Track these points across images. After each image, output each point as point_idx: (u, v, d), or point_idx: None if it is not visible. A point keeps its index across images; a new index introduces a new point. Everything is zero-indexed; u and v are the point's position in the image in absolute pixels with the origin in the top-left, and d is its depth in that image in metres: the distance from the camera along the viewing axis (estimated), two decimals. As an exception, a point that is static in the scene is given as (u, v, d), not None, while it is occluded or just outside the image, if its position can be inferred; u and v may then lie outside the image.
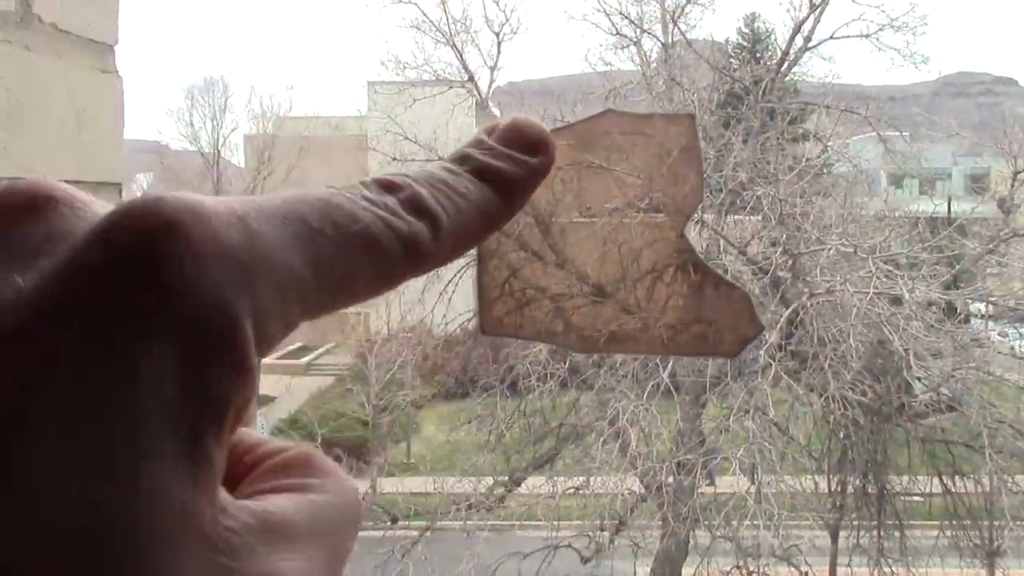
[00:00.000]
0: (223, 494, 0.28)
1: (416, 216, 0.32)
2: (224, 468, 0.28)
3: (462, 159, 0.36)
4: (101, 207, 0.30)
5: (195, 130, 27.52)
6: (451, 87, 11.87)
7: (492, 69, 11.95)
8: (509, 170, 0.36)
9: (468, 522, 9.88)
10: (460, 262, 10.73)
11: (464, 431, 11.44)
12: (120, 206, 0.28)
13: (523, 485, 10.35)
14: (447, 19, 11.83)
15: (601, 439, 9.02)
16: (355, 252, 0.31)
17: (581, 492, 9.63)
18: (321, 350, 24.10)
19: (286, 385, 19.51)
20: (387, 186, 0.33)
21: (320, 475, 0.32)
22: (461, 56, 11.79)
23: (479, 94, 11.82)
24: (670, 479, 8.83)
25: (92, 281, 0.26)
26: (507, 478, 10.39)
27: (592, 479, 9.37)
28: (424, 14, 11.92)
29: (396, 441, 16.16)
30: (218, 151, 27.23)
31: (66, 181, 0.31)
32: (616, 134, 0.47)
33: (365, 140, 15.67)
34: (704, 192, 0.50)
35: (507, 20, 11.90)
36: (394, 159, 10.40)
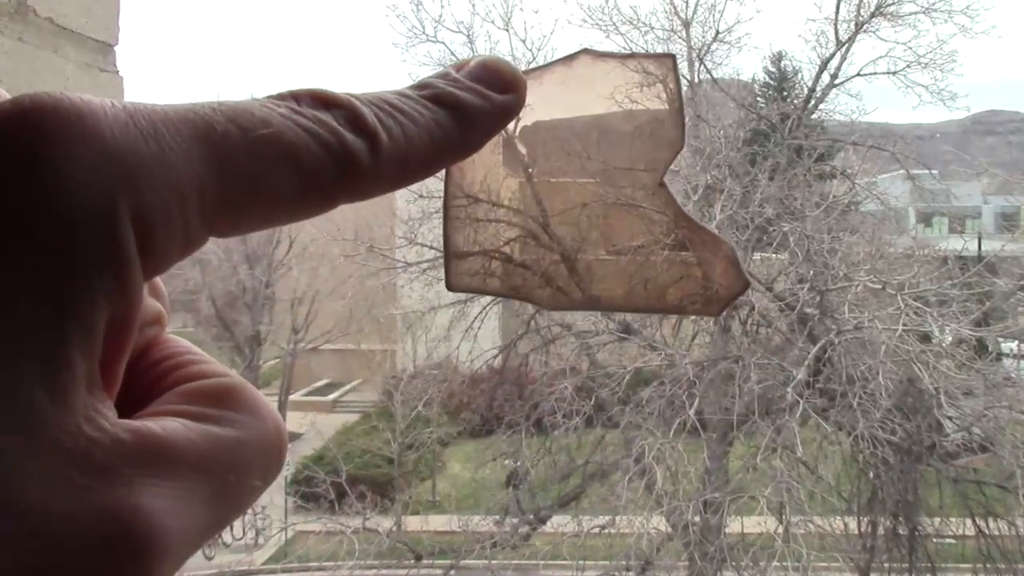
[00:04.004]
0: (99, 405, 0.26)
1: (353, 132, 0.31)
2: (110, 381, 0.27)
3: (421, 86, 0.34)
4: None
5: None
6: (478, 125, 11.93)
7: (519, 107, 12.03)
8: (471, 101, 0.34)
9: (493, 561, 9.81)
10: (485, 299, 10.75)
11: (489, 469, 11.38)
12: (6, 99, 0.26)
13: (548, 523, 10.27)
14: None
15: (627, 477, 8.94)
16: (268, 158, 0.29)
17: (606, 531, 9.54)
18: (348, 387, 24.15)
19: (312, 421, 19.52)
20: (323, 100, 0.31)
21: (239, 409, 0.30)
22: (488, 94, 11.88)
23: (505, 131, 11.86)
24: (696, 518, 8.72)
25: None
26: (532, 516, 10.32)
27: (618, 518, 9.28)
28: (452, 52, 12.04)
29: (422, 479, 16.10)
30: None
31: None
32: (597, 76, 0.45)
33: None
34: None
35: (534, 58, 11.97)
36: (420, 196, 10.46)
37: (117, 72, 1.03)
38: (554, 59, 0.45)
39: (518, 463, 10.49)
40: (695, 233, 0.47)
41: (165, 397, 0.30)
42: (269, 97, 0.30)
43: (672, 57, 0.46)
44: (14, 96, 0.26)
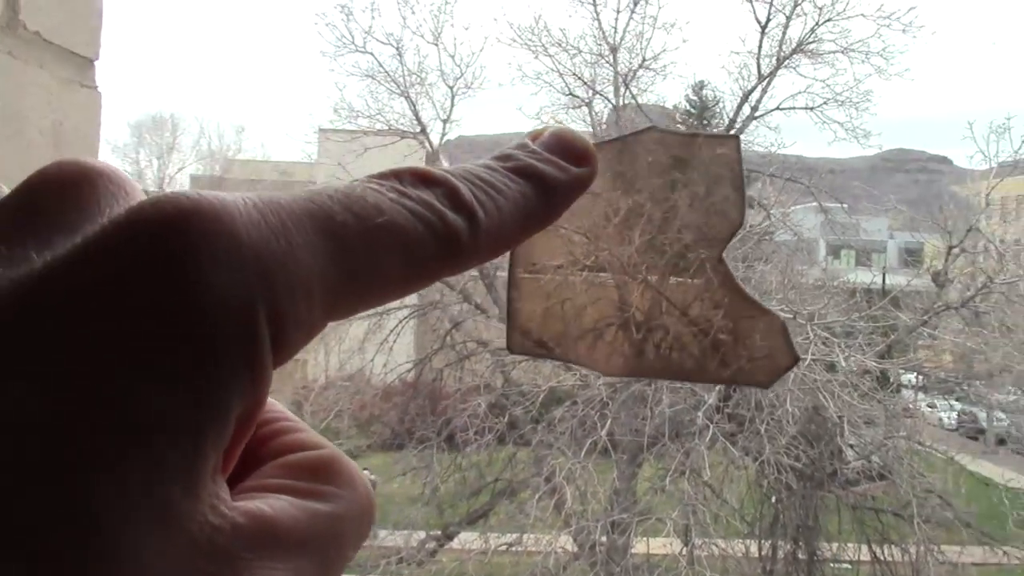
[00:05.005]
0: (220, 491, 0.27)
1: (453, 210, 0.32)
2: (227, 464, 0.28)
3: (504, 158, 0.35)
4: (141, 196, 0.30)
5: (140, 168, 27.27)
6: (403, 137, 11.89)
7: (445, 122, 12.02)
8: (552, 173, 0.36)
9: (398, 576, 9.73)
10: (402, 312, 10.70)
11: (398, 483, 11.29)
12: (144, 200, 0.27)
13: (455, 540, 10.23)
14: (403, 70, 11.92)
15: (536, 496, 8.97)
16: (382, 246, 0.30)
17: (514, 548, 9.54)
18: (257, 395, 23.75)
19: (219, 429, 19.10)
20: (424, 179, 0.32)
21: (337, 483, 0.31)
22: (415, 107, 11.86)
23: (430, 146, 11.86)
24: (603, 538, 8.79)
25: (102, 270, 0.26)
26: (440, 532, 10.25)
27: (525, 536, 9.29)
28: (380, 64, 11.99)
29: (329, 490, 15.87)
30: (162, 191, 26.92)
31: None
32: (659, 154, 0.47)
33: (314, 186, 15.65)
34: (745, 215, 0.49)
35: (462, 74, 12.00)
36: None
37: (96, 88, 1.04)
38: (625, 133, 0.47)
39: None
40: (744, 304, 0.48)
41: (266, 469, 0.31)
42: (372, 177, 0.32)
43: (736, 139, 0.47)
44: (152, 197, 0.27)
